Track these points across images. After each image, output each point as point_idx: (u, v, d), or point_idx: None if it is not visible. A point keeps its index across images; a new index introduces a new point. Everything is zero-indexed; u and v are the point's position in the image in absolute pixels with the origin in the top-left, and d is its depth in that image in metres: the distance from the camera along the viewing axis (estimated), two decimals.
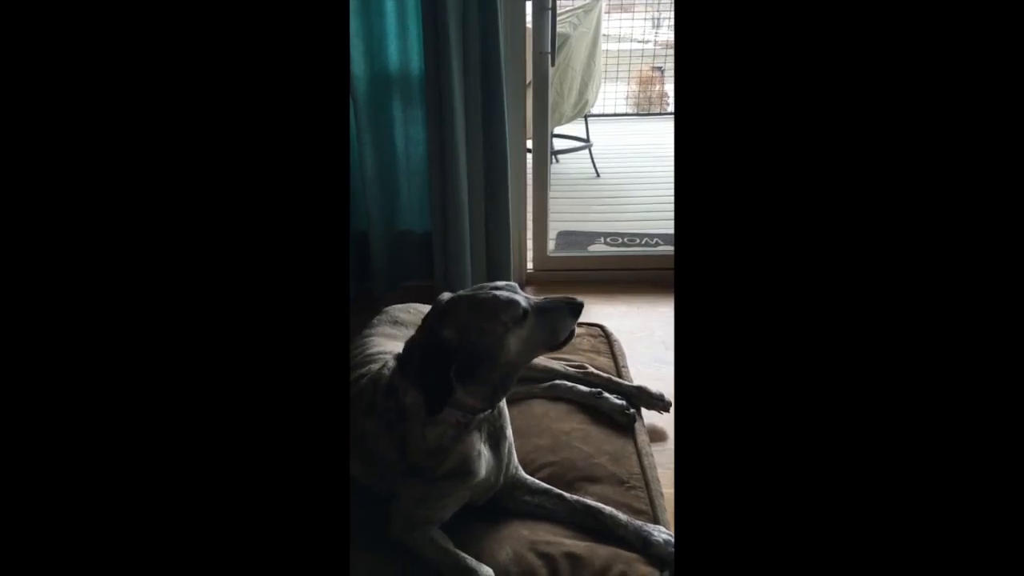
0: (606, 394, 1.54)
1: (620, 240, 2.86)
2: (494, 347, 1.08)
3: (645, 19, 6.96)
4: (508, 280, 2.32)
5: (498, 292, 1.11)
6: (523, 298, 1.11)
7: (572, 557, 1.14)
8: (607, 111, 5.38)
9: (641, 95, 5.95)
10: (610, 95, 5.20)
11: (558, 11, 2.36)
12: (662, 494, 1.31)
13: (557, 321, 1.12)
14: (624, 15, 6.61)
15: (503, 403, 1.25)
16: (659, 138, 4.87)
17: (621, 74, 5.81)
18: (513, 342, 1.09)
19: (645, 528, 1.18)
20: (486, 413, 1.15)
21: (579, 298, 1.14)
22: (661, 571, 1.13)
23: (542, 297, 1.16)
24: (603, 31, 3.71)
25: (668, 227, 3.03)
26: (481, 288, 1.13)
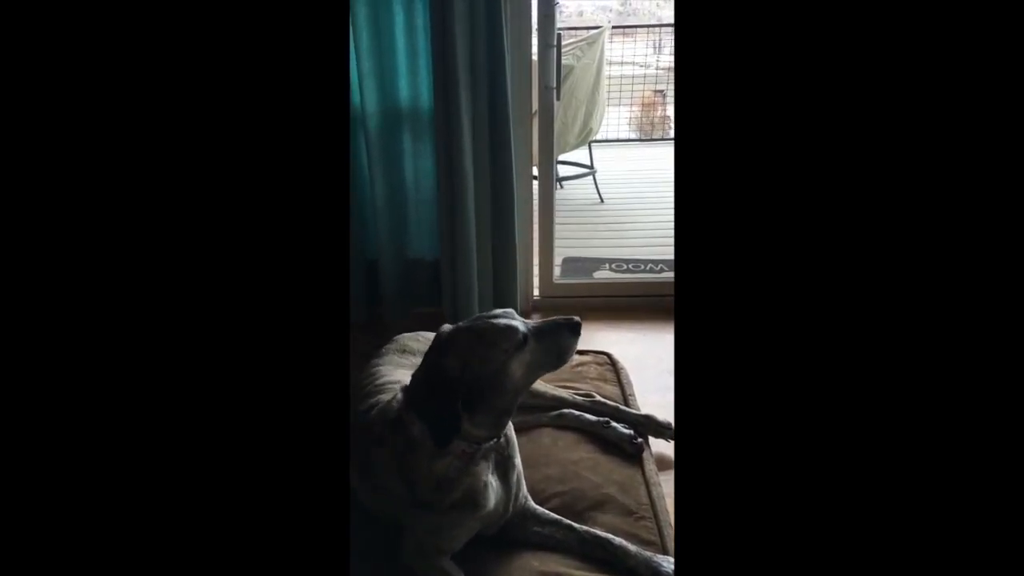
0: (614, 423, 1.56)
1: (625, 266, 2.89)
2: (498, 375, 1.09)
3: (646, 44, 7.09)
4: (515, 307, 2.36)
5: (496, 320, 1.12)
6: (521, 323, 1.13)
7: None
8: (610, 136, 5.45)
9: (644, 119, 6.03)
10: (612, 119, 5.28)
11: (563, 43, 2.43)
12: (671, 524, 1.32)
13: (558, 341, 1.14)
14: (626, 40, 6.74)
15: (512, 432, 1.27)
16: (662, 163, 4.92)
17: (624, 99, 5.90)
18: (516, 368, 1.11)
19: (655, 559, 1.19)
20: (492, 443, 1.17)
21: (578, 318, 1.15)
22: None
23: (540, 320, 1.17)
24: (606, 58, 3.79)
25: (672, 253, 3.07)
26: (479, 318, 1.15)
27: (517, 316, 1.16)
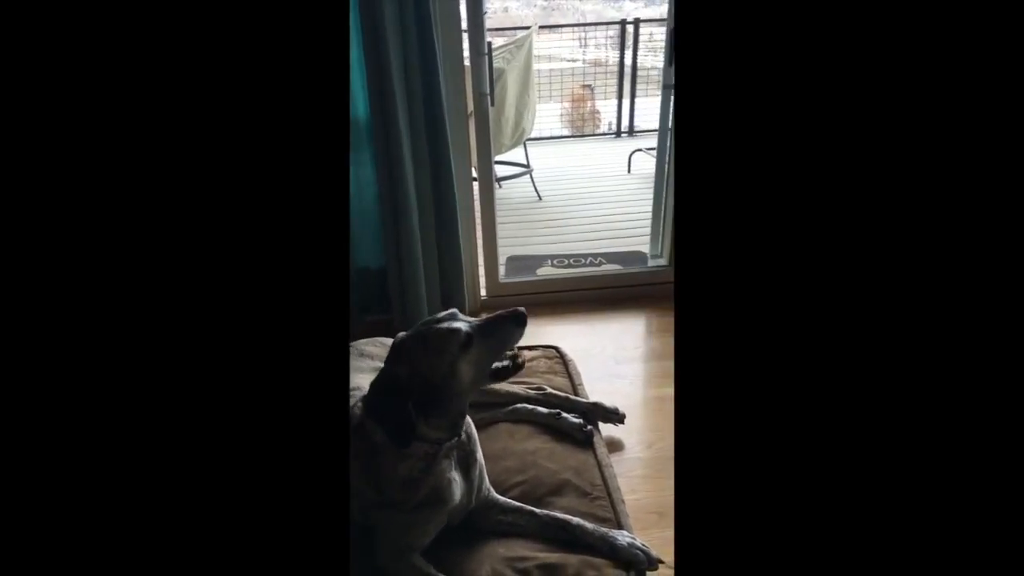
0: (565, 413, 1.66)
1: (566, 262, 2.99)
2: (447, 378, 1.15)
3: (572, 38, 7.25)
4: (463, 310, 2.42)
5: (439, 325, 1.16)
6: (464, 324, 1.17)
7: (546, 568, 1.24)
8: (542, 132, 5.57)
9: (574, 114, 6.19)
10: (543, 115, 5.39)
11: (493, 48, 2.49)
12: (623, 501, 1.43)
13: (503, 334, 1.19)
14: (552, 35, 6.88)
15: (472, 429, 1.34)
16: (595, 158, 5.09)
17: (554, 94, 6.03)
18: (464, 368, 1.15)
19: (611, 534, 1.29)
20: (453, 441, 1.24)
21: (523, 308, 1.19)
22: (627, 572, 1.24)
23: (484, 317, 1.21)
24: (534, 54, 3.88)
25: (609, 246, 3.21)
26: (424, 323, 1.19)
27: (461, 316, 1.20)
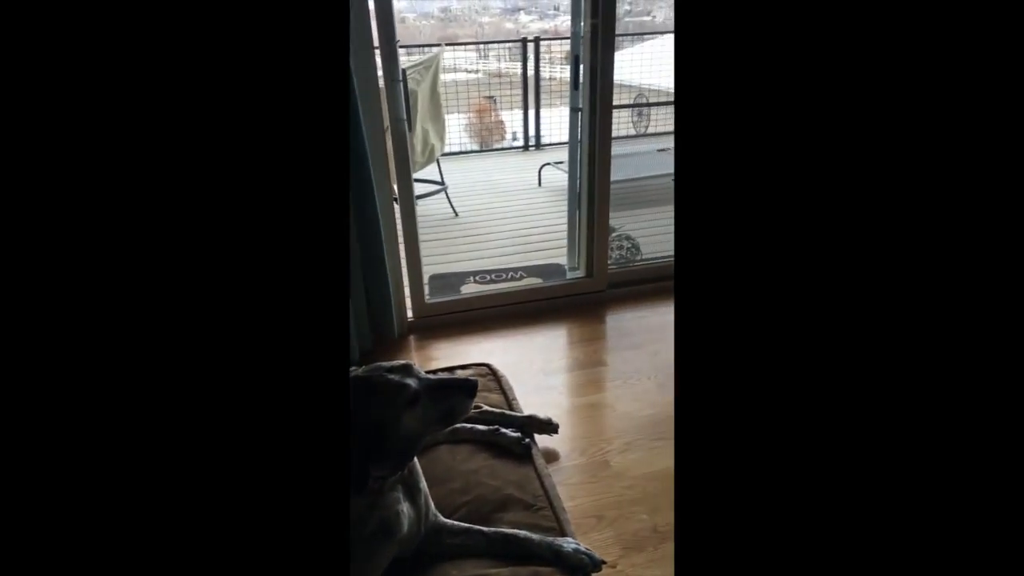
0: (502, 429, 1.72)
1: (488, 277, 3.06)
2: (390, 427, 1.17)
3: (472, 49, 7.37)
4: (392, 334, 2.41)
5: (391, 376, 1.19)
6: (414, 380, 1.20)
7: None
8: (452, 147, 5.62)
9: (480, 125, 6.29)
10: (450, 127, 5.44)
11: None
12: (564, 509, 1.51)
13: (453, 402, 1.23)
14: (456, 48, 6.96)
15: (414, 460, 1.37)
16: (505, 173, 5.21)
17: (461, 106, 6.11)
18: (407, 422, 1.18)
19: (556, 542, 1.36)
20: (397, 475, 1.26)
21: (475, 379, 1.25)
22: None
23: (436, 377, 1.25)
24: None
25: (527, 260, 3.32)
26: (376, 370, 1.21)
27: (414, 371, 1.23)
